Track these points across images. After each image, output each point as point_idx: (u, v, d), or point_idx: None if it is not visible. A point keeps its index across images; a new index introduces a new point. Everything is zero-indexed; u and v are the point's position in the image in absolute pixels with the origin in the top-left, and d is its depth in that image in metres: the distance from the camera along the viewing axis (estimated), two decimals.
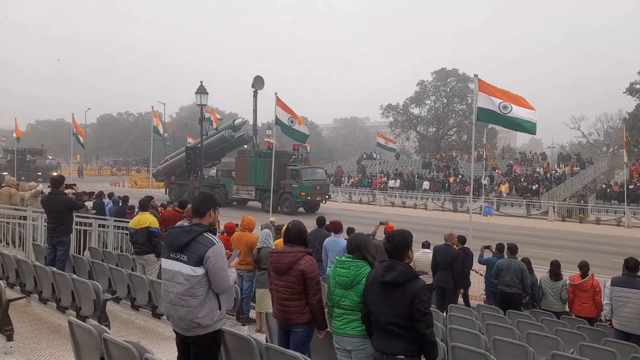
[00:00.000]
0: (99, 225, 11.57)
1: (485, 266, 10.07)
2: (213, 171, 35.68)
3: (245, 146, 35.91)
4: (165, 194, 35.24)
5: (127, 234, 11.45)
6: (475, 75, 11.97)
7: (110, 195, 15.33)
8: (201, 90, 19.91)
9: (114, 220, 11.77)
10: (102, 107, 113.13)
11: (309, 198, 29.06)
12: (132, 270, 8.22)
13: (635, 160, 41.65)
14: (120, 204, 13.60)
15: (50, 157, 57.77)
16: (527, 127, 11.33)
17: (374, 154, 49.75)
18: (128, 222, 11.46)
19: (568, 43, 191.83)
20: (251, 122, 34.85)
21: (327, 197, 31.31)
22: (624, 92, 49.44)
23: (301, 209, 29.62)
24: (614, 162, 45.25)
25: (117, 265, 8.45)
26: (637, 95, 48.58)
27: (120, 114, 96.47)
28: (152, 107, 30.44)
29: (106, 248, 11.13)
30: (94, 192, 15.56)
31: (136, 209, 12.21)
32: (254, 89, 32.64)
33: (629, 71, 77.69)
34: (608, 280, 7.35)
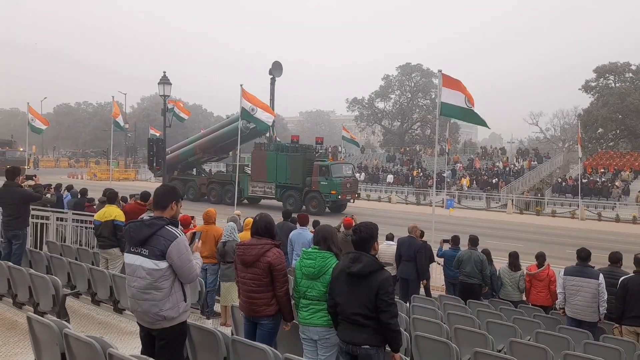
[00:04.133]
0: (57, 219, 11.22)
1: (443, 259, 10.32)
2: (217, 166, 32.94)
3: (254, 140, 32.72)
4: None
5: (86, 228, 11.17)
6: (439, 71, 12.17)
7: (69, 188, 14.87)
8: (164, 81, 19.47)
9: (73, 214, 11.43)
10: (60, 96, 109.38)
11: (339, 197, 26.16)
12: (93, 265, 8.03)
13: (589, 155, 43.41)
14: (79, 197, 13.21)
15: (22, 149, 53.37)
16: (482, 121, 11.76)
17: (340, 147, 50.01)
18: (87, 215, 11.21)
19: (530, 40, 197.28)
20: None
21: (356, 195, 28.25)
22: (579, 89, 51.48)
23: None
24: (569, 157, 46.99)
25: (76, 260, 8.22)
26: (592, 93, 50.64)
27: (78, 104, 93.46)
28: (113, 97, 29.54)
29: (65, 242, 10.80)
30: (51, 185, 15.05)
31: (96, 202, 11.92)
32: (271, 76, 30.78)
33: (585, 69, 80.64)
34: (562, 270, 7.66)
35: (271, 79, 31.02)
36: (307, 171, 26.63)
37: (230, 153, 33.66)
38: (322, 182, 25.94)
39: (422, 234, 10.08)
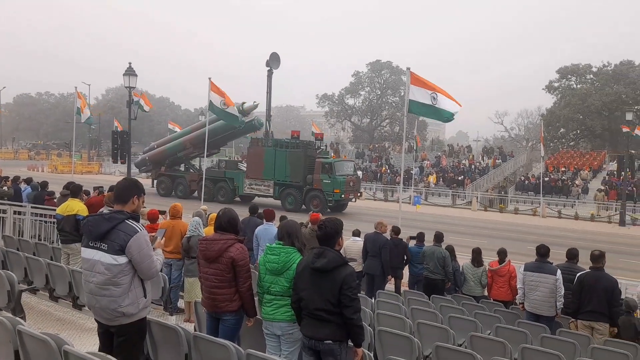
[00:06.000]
0: (15, 212, 10.84)
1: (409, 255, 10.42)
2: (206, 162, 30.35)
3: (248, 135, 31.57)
4: (152, 187, 30.68)
5: (45, 222, 10.83)
6: (408, 68, 12.29)
7: (28, 181, 14.37)
8: (130, 72, 19.06)
9: (32, 207, 11.06)
10: (21, 85, 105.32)
11: (342, 196, 25.05)
12: (52, 260, 7.79)
13: (551, 154, 44.73)
14: (39, 190, 12.78)
15: None
16: (446, 116, 11.90)
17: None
18: (47, 208, 10.86)
19: (495, 40, 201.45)
20: (264, 107, 30.61)
21: (359, 194, 27.22)
22: (542, 89, 52.94)
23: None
24: (532, 155, 48.28)
25: (34, 255, 7.97)
26: (555, 93, 52.17)
27: (39, 94, 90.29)
28: (76, 87, 28.45)
29: (22, 236, 10.45)
30: (8, 177, 14.53)
31: (57, 195, 11.56)
32: (268, 68, 29.36)
33: (549, 70, 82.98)
34: (522, 265, 7.87)
35: (268, 71, 29.67)
36: (309, 168, 25.36)
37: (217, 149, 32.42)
38: (324, 180, 24.67)
39: (398, 231, 10.09)
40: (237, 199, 27.57)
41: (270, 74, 29.77)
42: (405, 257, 9.86)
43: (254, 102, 28.99)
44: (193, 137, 29.39)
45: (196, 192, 28.48)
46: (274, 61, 29.80)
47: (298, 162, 25.61)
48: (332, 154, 27.77)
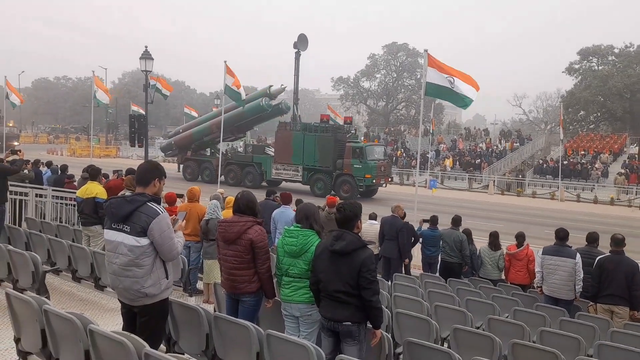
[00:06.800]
0: (36, 195, 11.04)
1: (421, 238, 10.41)
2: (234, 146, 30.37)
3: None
4: (179, 171, 30.65)
5: (66, 204, 11.02)
6: (425, 50, 12.08)
7: (49, 164, 14.60)
8: (146, 56, 19.08)
9: (53, 190, 11.25)
10: (38, 70, 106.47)
11: (374, 181, 24.59)
12: (74, 242, 7.94)
13: (570, 137, 43.99)
14: (59, 173, 12.99)
15: (11, 124, 50.61)
16: (465, 101, 11.57)
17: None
18: (67, 191, 11.04)
19: (513, 24, 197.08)
20: (291, 89, 30.01)
21: (390, 179, 26.64)
22: (562, 72, 51.82)
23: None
24: (551, 138, 47.57)
25: (56, 237, 8.12)
26: (575, 75, 51.05)
27: (57, 79, 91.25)
28: (93, 71, 28.57)
29: (44, 219, 10.65)
30: (29, 161, 14.76)
31: (77, 178, 11.74)
32: (296, 50, 28.43)
33: (569, 51, 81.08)
34: (540, 249, 7.81)
35: (296, 52, 28.68)
36: (338, 153, 24.93)
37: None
38: (355, 165, 24.26)
39: (404, 215, 10.14)
40: (264, 183, 26.99)
41: (297, 56, 28.74)
42: (414, 238, 9.84)
43: (282, 85, 28.45)
44: (219, 120, 29.01)
45: (222, 176, 28.01)
46: (302, 43, 28.82)
47: (328, 146, 25.18)
48: (364, 139, 27.26)
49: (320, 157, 25.20)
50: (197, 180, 28.59)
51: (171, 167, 32.85)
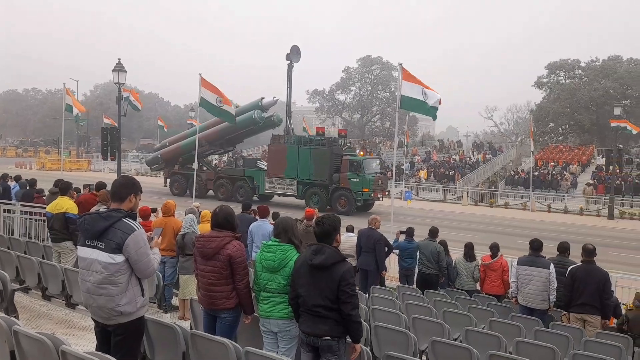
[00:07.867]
0: (4, 211, 10.72)
1: (398, 250, 10.48)
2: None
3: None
4: (165, 186, 29.77)
5: (36, 220, 10.72)
6: (400, 64, 12.30)
7: (17, 179, 14.20)
8: (119, 68, 18.86)
9: (21, 205, 10.94)
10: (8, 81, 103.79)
11: (372, 195, 24.09)
12: (44, 258, 7.71)
13: (540, 149, 45.10)
14: (27, 188, 12.64)
15: None
16: (432, 112, 11.96)
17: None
18: (36, 206, 10.74)
19: (486, 39, 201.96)
20: (283, 102, 29.45)
21: (387, 193, 25.51)
22: (532, 85, 53.30)
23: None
24: (522, 150, 48.63)
25: (25, 253, 7.88)
26: (544, 89, 52.57)
27: (26, 90, 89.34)
28: (64, 84, 28.04)
29: (12, 235, 10.33)
30: None
31: (46, 193, 11.44)
32: (289, 62, 28.03)
33: (538, 66, 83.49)
34: (515, 260, 7.94)
35: (288, 64, 28.18)
36: (335, 167, 24.35)
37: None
38: (352, 179, 23.64)
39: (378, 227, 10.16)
40: (256, 198, 26.13)
41: (290, 68, 28.23)
42: (387, 249, 9.88)
43: (274, 97, 27.79)
44: (209, 134, 28.01)
45: (211, 190, 27.65)
46: (294, 54, 28.46)
47: (323, 159, 24.63)
48: (360, 152, 26.73)
49: (316, 170, 24.64)
50: (185, 195, 27.67)
51: (155, 182, 32.53)
